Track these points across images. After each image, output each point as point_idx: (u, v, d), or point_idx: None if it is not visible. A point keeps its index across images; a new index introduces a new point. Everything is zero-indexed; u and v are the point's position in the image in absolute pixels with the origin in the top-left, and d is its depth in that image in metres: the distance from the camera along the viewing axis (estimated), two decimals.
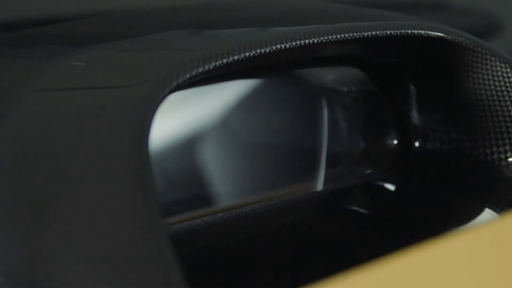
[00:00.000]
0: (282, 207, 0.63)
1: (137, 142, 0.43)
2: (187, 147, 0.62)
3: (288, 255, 0.60)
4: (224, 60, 0.49)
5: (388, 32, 0.57)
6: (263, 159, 0.64)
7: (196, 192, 0.61)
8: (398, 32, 0.57)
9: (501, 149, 0.61)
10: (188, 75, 0.47)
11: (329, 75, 0.66)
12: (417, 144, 0.65)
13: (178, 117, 0.61)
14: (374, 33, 0.56)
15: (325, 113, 0.66)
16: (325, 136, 0.66)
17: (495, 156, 0.61)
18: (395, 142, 0.66)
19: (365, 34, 0.56)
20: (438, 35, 0.59)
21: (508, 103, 0.60)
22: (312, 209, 0.65)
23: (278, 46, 0.51)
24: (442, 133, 0.64)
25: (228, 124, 0.63)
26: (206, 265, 0.57)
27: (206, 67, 0.48)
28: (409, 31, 0.58)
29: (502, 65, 0.60)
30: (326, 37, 0.53)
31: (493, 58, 0.60)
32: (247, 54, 0.50)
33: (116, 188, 0.41)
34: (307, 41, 0.53)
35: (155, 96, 0.45)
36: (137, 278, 0.38)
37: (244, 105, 0.63)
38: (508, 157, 0.61)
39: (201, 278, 0.55)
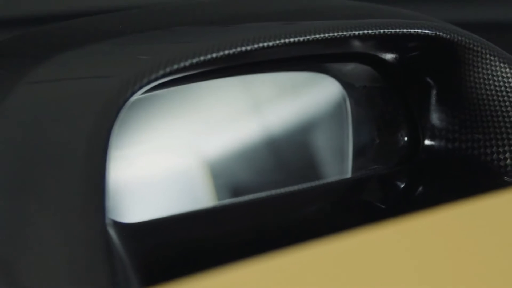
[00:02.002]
0: (298, 195, 0.65)
1: (95, 133, 0.45)
2: (226, 139, 0.64)
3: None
4: (202, 58, 0.51)
5: (382, 31, 0.57)
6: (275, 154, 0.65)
7: (237, 180, 0.63)
8: (393, 31, 0.58)
9: (501, 149, 0.61)
10: (161, 72, 0.49)
11: (345, 71, 0.67)
12: (426, 141, 0.66)
13: (206, 108, 0.63)
14: (366, 32, 0.57)
15: (342, 108, 0.67)
16: (341, 131, 0.67)
17: (494, 156, 0.61)
18: (406, 139, 0.67)
19: (356, 32, 0.56)
20: (436, 34, 0.59)
21: (507, 103, 0.60)
22: (319, 199, 0.66)
23: (260, 45, 0.53)
24: (448, 132, 0.64)
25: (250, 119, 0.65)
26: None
27: (182, 64, 0.50)
28: (405, 30, 0.58)
29: (502, 65, 0.60)
30: (311, 36, 0.54)
31: (492, 58, 0.59)
32: (226, 52, 0.52)
33: (69, 182, 0.44)
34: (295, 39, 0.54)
35: (124, 90, 0.47)
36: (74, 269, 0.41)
37: (259, 98, 0.65)
38: (506, 158, 0.60)
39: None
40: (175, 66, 0.50)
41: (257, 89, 0.65)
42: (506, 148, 0.60)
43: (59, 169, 0.45)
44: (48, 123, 0.48)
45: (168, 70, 0.50)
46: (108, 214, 0.44)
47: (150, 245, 0.55)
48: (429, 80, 0.64)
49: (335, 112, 0.67)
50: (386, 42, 0.62)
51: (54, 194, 0.44)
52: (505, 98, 0.60)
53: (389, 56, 0.64)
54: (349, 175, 0.67)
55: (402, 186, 0.67)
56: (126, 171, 0.59)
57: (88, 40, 0.55)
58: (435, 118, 0.65)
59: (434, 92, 0.64)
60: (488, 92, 0.60)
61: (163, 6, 0.60)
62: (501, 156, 0.61)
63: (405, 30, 0.58)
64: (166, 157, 0.61)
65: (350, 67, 0.67)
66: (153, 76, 0.49)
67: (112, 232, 0.48)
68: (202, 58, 0.51)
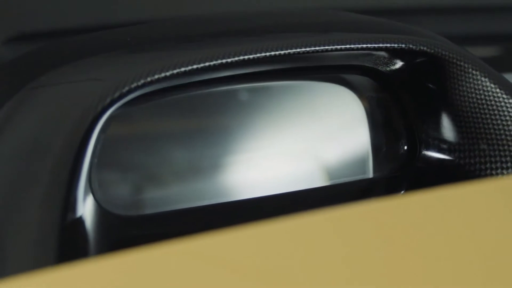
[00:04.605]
0: (303, 196, 0.69)
1: (70, 135, 0.51)
2: (251, 140, 0.68)
3: None
4: (183, 69, 0.56)
5: (365, 45, 0.61)
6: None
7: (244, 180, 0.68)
8: (376, 45, 0.61)
9: (482, 159, 0.63)
10: (142, 81, 0.54)
11: (353, 82, 0.71)
12: (423, 150, 0.69)
13: (236, 114, 0.68)
14: (348, 46, 0.60)
15: (353, 116, 0.70)
16: (351, 137, 0.71)
17: (477, 166, 0.63)
18: (405, 147, 0.70)
19: (340, 46, 0.60)
20: (421, 49, 0.62)
21: (488, 116, 0.62)
22: (321, 200, 0.70)
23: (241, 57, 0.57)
24: (440, 142, 0.67)
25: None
26: None
27: (163, 74, 0.55)
28: (389, 45, 0.61)
29: (483, 79, 0.62)
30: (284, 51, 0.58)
31: (474, 72, 0.62)
32: (206, 64, 0.56)
33: (41, 174, 0.50)
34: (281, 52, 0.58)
35: (104, 98, 0.53)
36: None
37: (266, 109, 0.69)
38: (487, 168, 0.63)
39: None
40: (156, 76, 0.55)
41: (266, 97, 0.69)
42: (487, 158, 0.63)
43: (39, 162, 0.51)
44: (38, 122, 0.54)
45: (149, 79, 0.55)
46: (79, 206, 0.50)
47: (137, 236, 0.60)
48: (421, 92, 0.67)
49: (347, 120, 0.71)
50: (379, 56, 0.65)
51: (31, 184, 0.50)
52: (486, 111, 0.63)
53: (386, 69, 0.68)
54: (352, 179, 0.70)
55: (401, 192, 0.70)
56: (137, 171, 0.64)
57: (89, 53, 0.60)
58: (429, 128, 0.67)
59: (427, 103, 0.67)
60: (472, 105, 0.63)
61: (158, 22, 0.65)
62: (483, 166, 0.63)
63: (388, 45, 0.62)
64: (178, 158, 0.66)
65: (356, 78, 0.70)
66: (133, 85, 0.54)
67: (93, 219, 0.54)
68: (183, 69, 0.56)
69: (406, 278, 0.46)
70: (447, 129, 0.66)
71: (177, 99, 0.63)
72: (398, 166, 0.70)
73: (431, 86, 0.66)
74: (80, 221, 0.50)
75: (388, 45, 0.62)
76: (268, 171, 0.67)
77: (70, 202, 0.49)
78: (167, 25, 0.66)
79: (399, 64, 0.66)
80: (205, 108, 0.66)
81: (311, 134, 0.70)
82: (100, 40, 0.64)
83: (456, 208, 0.51)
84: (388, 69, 0.67)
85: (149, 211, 0.62)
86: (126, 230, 0.59)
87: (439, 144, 0.67)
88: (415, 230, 0.49)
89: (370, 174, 0.71)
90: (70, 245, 0.49)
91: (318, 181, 0.70)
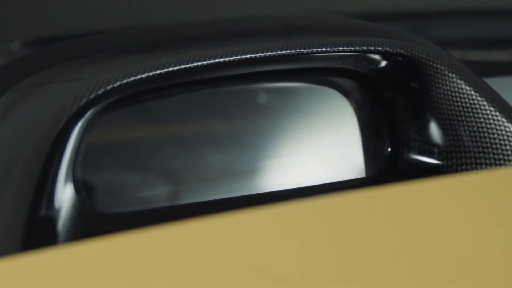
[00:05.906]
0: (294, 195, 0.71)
1: (44, 134, 0.53)
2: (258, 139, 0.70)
3: None
4: (158, 71, 0.58)
5: (341, 48, 0.62)
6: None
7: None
8: (352, 48, 0.62)
9: (459, 161, 0.64)
10: (118, 83, 0.57)
11: (340, 85, 0.72)
12: (404, 153, 0.70)
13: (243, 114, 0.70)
14: (324, 49, 0.62)
15: (338, 117, 0.72)
16: (337, 138, 0.72)
17: (454, 167, 0.64)
18: (389, 149, 0.71)
19: (313, 49, 0.61)
20: (397, 51, 0.63)
21: (463, 117, 0.63)
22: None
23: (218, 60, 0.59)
24: (420, 143, 0.67)
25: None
26: None
27: (139, 76, 0.57)
28: (365, 47, 0.63)
29: (459, 81, 0.63)
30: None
31: (451, 75, 0.63)
32: (182, 66, 0.58)
33: (17, 169, 0.52)
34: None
35: (79, 98, 0.55)
36: None
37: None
38: (463, 169, 0.64)
39: None
40: (132, 78, 0.57)
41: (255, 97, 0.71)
42: (464, 160, 0.64)
43: (16, 159, 0.54)
44: (21, 120, 0.56)
45: (124, 81, 0.57)
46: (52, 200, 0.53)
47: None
48: (402, 94, 0.68)
49: (331, 121, 0.72)
50: (358, 58, 0.66)
51: (8, 177, 0.53)
52: (462, 113, 0.64)
53: (367, 71, 0.69)
54: (336, 179, 0.71)
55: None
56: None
57: (78, 56, 0.63)
58: (410, 130, 0.68)
59: (408, 105, 0.68)
60: (449, 107, 0.64)
61: (148, 25, 0.67)
62: (459, 168, 0.64)
63: (365, 47, 0.63)
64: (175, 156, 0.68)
65: (339, 80, 0.71)
66: (109, 87, 0.56)
67: (71, 214, 0.57)
68: (159, 71, 0.58)
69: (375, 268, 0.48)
70: (427, 131, 0.67)
71: (168, 101, 0.65)
72: (382, 167, 0.71)
73: (410, 88, 0.67)
74: (52, 215, 0.53)
75: (364, 47, 0.63)
76: (256, 170, 0.69)
77: (40, 198, 0.51)
78: (156, 28, 0.68)
79: (378, 66, 0.67)
80: (195, 108, 0.68)
81: (296, 134, 0.72)
82: (91, 43, 0.66)
83: (427, 201, 0.52)
84: (369, 71, 0.68)
85: (133, 208, 0.64)
86: (112, 227, 0.61)
87: (420, 145, 0.68)
88: (385, 221, 0.51)
89: (352, 175, 0.72)
90: (38, 237, 0.51)
91: (302, 181, 0.71)
